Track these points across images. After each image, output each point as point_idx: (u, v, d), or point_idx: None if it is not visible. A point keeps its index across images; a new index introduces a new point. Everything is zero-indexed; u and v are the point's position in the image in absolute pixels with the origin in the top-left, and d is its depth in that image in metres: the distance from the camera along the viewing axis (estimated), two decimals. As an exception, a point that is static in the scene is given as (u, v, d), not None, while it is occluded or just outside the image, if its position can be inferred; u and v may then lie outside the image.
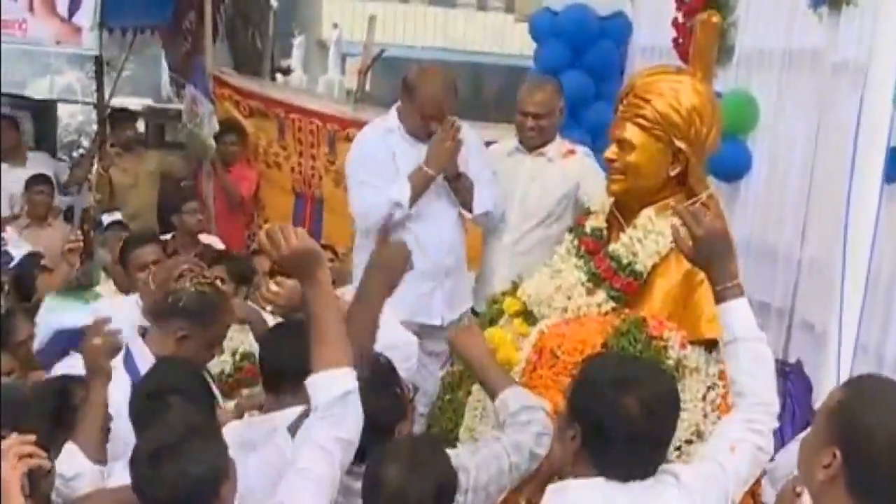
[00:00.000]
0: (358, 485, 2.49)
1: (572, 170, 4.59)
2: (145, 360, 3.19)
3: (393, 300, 2.87)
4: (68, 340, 3.49)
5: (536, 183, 4.64)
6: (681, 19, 4.61)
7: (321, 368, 2.43)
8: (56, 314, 3.93)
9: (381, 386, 2.66)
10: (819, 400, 3.56)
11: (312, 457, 2.36)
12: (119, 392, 2.95)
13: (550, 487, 2.41)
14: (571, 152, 4.67)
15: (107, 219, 6.55)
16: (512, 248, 4.58)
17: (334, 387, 2.40)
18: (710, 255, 2.68)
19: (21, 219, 6.65)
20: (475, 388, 3.56)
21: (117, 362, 3.12)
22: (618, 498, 2.27)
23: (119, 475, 2.70)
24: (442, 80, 4.46)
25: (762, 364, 2.60)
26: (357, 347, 2.56)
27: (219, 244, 6.39)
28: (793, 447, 3.03)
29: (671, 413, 2.35)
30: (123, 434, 2.88)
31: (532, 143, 4.66)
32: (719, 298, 2.66)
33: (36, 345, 3.95)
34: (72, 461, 2.78)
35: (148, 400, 2.71)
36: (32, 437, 1.90)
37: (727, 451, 2.44)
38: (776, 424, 2.58)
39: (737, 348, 2.60)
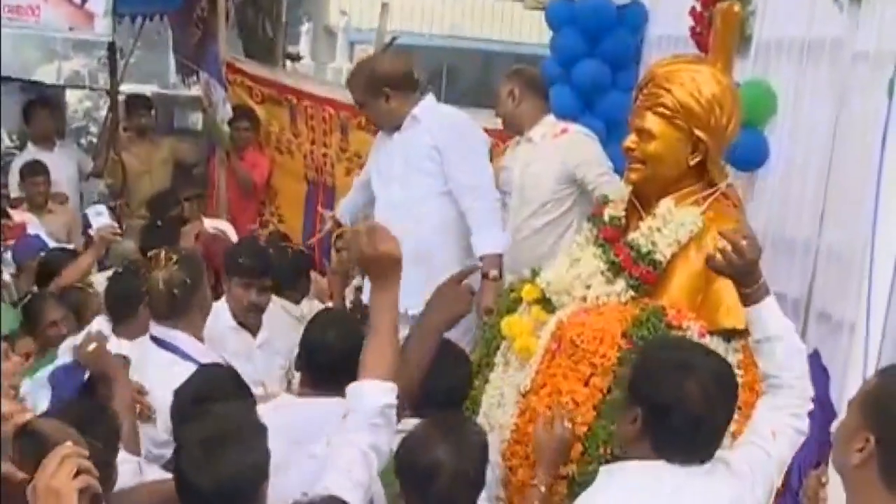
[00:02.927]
0: None
1: (562, 150, 4.55)
2: (189, 343, 3.34)
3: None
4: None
5: (530, 169, 4.63)
6: (699, 8, 4.59)
7: (369, 377, 2.48)
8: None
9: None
10: (836, 390, 3.56)
11: (353, 460, 2.40)
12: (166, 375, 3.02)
13: (604, 468, 2.48)
14: (564, 131, 4.65)
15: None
16: (513, 235, 4.55)
17: (380, 398, 2.46)
18: (742, 274, 2.69)
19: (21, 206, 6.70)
20: (492, 376, 3.58)
21: (159, 357, 3.27)
22: (671, 481, 2.33)
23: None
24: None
25: (796, 357, 2.66)
26: (410, 375, 2.69)
27: (230, 230, 6.39)
28: None
29: (731, 397, 2.42)
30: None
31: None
32: (749, 301, 2.69)
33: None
34: None
35: (191, 405, 2.73)
36: (87, 452, 1.92)
37: (769, 437, 2.51)
38: (811, 406, 2.64)
39: (772, 346, 2.64)
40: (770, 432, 2.52)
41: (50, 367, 3.27)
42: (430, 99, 4.53)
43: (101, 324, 3.56)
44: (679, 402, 2.32)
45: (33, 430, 2.11)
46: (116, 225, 5.09)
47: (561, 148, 4.57)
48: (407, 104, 4.42)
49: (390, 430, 2.49)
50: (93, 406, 2.78)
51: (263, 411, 2.62)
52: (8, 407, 2.17)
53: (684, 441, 2.34)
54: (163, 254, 3.51)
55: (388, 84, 4.38)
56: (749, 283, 2.67)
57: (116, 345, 3.63)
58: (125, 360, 3.28)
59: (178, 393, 2.89)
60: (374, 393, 2.46)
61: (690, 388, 2.32)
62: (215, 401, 2.66)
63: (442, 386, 3.02)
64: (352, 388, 2.49)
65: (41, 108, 7.82)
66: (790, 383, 2.60)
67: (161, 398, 3.10)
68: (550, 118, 4.71)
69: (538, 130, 4.66)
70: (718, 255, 2.68)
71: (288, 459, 2.51)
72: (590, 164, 4.50)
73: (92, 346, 3.09)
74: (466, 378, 3.23)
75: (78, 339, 3.29)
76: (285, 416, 2.75)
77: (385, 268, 2.52)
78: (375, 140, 4.82)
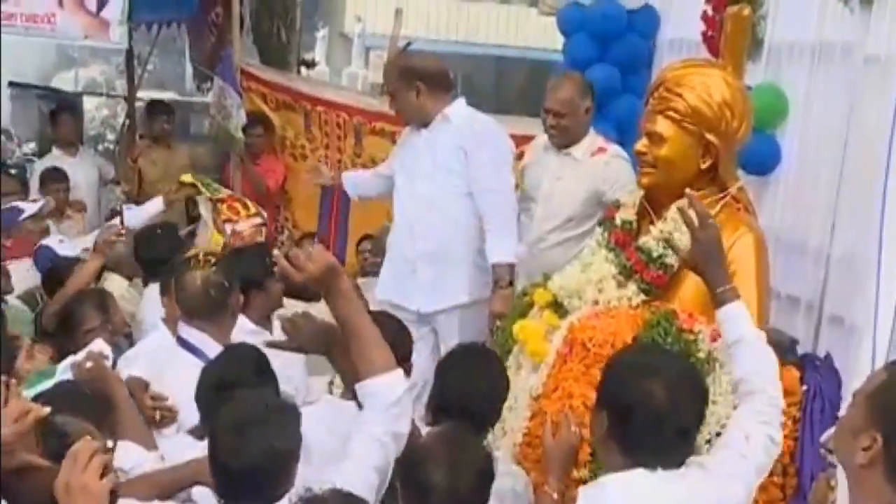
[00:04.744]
0: None
1: (598, 170, 4.45)
2: (211, 346, 3.35)
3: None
4: None
5: (560, 183, 4.54)
6: (710, 12, 4.59)
7: (372, 374, 2.51)
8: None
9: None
10: (849, 395, 3.55)
11: (369, 449, 2.45)
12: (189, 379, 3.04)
13: (583, 488, 2.43)
14: (602, 150, 4.52)
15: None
16: (533, 245, 4.52)
17: (391, 392, 2.50)
18: (707, 258, 2.75)
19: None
20: (506, 378, 3.59)
21: (181, 357, 3.33)
22: (647, 490, 2.29)
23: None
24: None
25: (766, 362, 2.67)
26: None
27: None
28: None
29: (695, 400, 2.38)
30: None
31: (554, 140, 4.56)
32: (719, 302, 2.73)
33: None
34: (128, 454, 2.85)
35: (216, 387, 2.78)
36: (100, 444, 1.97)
37: (742, 440, 2.49)
38: (783, 418, 2.63)
39: (742, 349, 2.67)
40: (743, 436, 2.49)
41: (49, 383, 3.27)
42: (461, 102, 4.55)
43: (100, 344, 3.59)
44: (641, 402, 2.29)
45: (54, 424, 2.16)
46: (119, 227, 5.10)
47: (595, 167, 4.48)
48: (437, 103, 4.44)
49: (408, 413, 2.54)
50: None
51: (311, 410, 2.71)
52: (26, 403, 2.22)
53: (650, 442, 2.30)
54: (201, 254, 3.56)
55: (422, 78, 4.42)
56: (718, 282, 2.72)
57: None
58: (140, 381, 3.32)
59: (205, 372, 2.93)
60: (385, 388, 2.50)
61: (652, 388, 2.29)
62: (241, 381, 2.71)
63: (477, 394, 3.04)
64: (361, 387, 2.52)
65: (66, 113, 7.91)
66: (761, 387, 2.60)
67: (179, 401, 3.14)
68: (593, 133, 4.61)
69: (581, 148, 4.53)
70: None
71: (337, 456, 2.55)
72: (619, 188, 4.41)
73: (90, 365, 3.10)
74: (502, 389, 3.20)
75: (77, 357, 3.29)
76: (333, 415, 2.79)
77: (329, 279, 2.50)
78: (402, 135, 4.82)
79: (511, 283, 4.31)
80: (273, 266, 4.28)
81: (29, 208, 5.71)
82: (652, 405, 2.29)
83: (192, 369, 3.23)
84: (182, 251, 5.00)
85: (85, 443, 1.92)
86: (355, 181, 5.14)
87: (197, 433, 2.97)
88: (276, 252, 2.55)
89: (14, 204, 5.77)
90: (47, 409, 2.19)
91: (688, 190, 2.96)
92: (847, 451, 2.00)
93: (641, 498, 2.29)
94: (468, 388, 3.03)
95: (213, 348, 3.36)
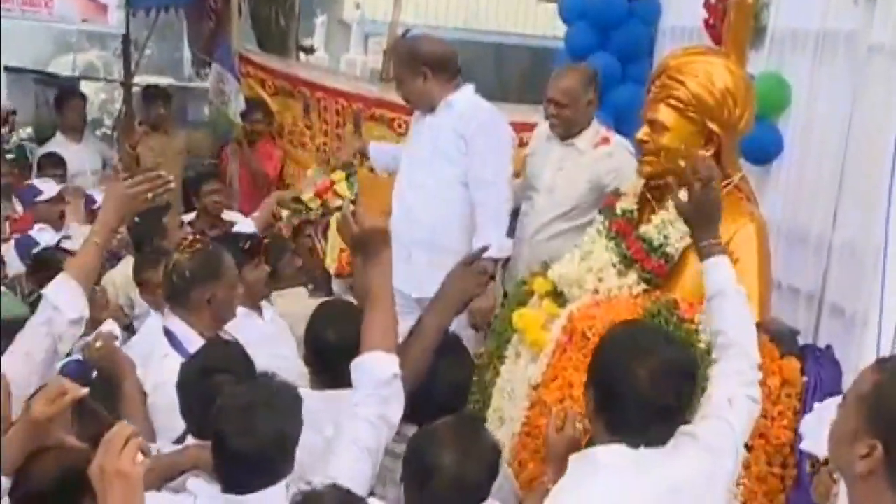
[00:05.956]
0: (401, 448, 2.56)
1: (601, 161, 4.40)
2: (189, 337, 3.28)
3: None
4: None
5: (563, 173, 4.49)
6: (712, 0, 4.57)
7: (370, 349, 2.52)
8: None
9: None
10: (848, 386, 3.53)
11: (360, 430, 2.45)
12: (168, 372, 3.01)
13: (573, 457, 2.43)
14: (605, 141, 4.47)
15: None
16: (534, 235, 4.50)
17: (384, 369, 2.50)
18: (703, 214, 2.73)
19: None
20: (503, 368, 3.58)
21: (161, 345, 3.23)
22: (642, 461, 2.28)
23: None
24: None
25: (745, 318, 2.68)
26: (424, 347, 2.76)
27: (245, 222, 6.39)
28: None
29: (682, 382, 2.36)
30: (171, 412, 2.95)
31: (555, 130, 4.52)
32: (705, 254, 2.73)
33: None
34: None
35: (198, 378, 2.75)
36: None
37: (727, 405, 2.48)
38: (760, 375, 2.63)
39: (723, 302, 2.67)
40: (726, 400, 2.48)
41: (59, 364, 3.27)
42: (468, 89, 4.48)
43: (111, 325, 3.56)
44: (623, 380, 2.30)
45: (88, 406, 2.15)
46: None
47: (598, 158, 4.43)
48: (443, 89, 4.39)
49: (399, 400, 2.53)
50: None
51: None
52: (64, 384, 2.24)
53: (632, 420, 2.30)
54: (189, 238, 3.52)
55: (428, 64, 4.36)
56: (707, 234, 2.73)
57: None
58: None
59: (186, 365, 2.90)
60: (379, 365, 2.51)
61: (635, 367, 2.29)
62: (222, 374, 2.68)
63: (444, 386, 2.93)
64: (356, 362, 2.53)
65: (75, 98, 7.85)
66: (738, 341, 2.60)
67: (148, 385, 3.13)
68: (596, 124, 4.56)
69: (584, 139, 4.48)
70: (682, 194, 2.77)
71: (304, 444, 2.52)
72: (623, 179, 4.36)
73: (99, 345, 3.12)
74: (468, 380, 3.12)
75: (88, 338, 3.31)
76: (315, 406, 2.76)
77: (376, 242, 2.61)
78: (412, 120, 4.78)
79: (493, 278, 4.28)
80: (247, 250, 4.33)
81: (48, 190, 5.70)
82: (634, 384, 2.29)
83: (161, 356, 3.20)
84: (163, 235, 4.98)
85: (120, 427, 1.91)
86: (381, 156, 5.04)
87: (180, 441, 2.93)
88: (342, 202, 2.59)
89: (32, 183, 5.75)
90: (84, 390, 2.17)
91: (701, 151, 2.91)
92: (844, 459, 1.89)
93: (632, 466, 2.29)
94: (434, 378, 2.96)
95: (186, 336, 3.28)
